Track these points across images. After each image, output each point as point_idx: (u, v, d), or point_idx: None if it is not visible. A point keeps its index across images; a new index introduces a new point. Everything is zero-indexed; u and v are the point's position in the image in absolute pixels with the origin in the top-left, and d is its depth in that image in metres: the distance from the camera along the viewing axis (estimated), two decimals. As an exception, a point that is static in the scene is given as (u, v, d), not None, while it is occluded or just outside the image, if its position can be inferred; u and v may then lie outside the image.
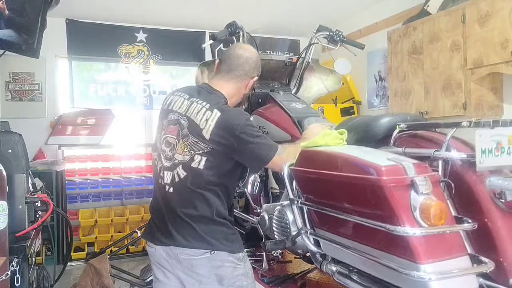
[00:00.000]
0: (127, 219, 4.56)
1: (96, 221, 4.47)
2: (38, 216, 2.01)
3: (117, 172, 4.74)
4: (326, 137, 1.59)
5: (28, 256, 1.90)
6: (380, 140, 1.64)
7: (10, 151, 1.92)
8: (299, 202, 1.61)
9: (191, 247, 1.60)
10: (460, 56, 3.03)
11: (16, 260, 1.76)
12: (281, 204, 1.85)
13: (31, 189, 2.22)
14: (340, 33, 2.48)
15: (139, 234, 3.26)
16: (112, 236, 4.43)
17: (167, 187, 1.66)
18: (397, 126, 1.59)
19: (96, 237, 4.43)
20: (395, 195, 1.18)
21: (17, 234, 1.84)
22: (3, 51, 2.75)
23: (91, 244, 4.47)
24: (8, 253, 1.62)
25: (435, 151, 1.39)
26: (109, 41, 4.91)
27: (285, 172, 1.63)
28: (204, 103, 1.64)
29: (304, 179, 1.58)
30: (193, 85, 1.95)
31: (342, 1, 4.35)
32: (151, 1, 4.25)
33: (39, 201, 1.99)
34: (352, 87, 4.72)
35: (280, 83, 2.61)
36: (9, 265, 1.66)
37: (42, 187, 3.22)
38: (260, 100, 2.45)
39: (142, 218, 4.53)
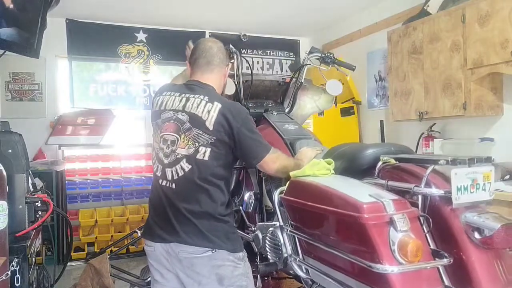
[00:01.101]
0: (127, 219, 4.57)
1: (96, 221, 4.47)
2: (38, 216, 2.01)
3: (117, 172, 4.74)
4: (314, 167, 1.69)
5: (28, 256, 1.90)
6: (365, 170, 1.73)
7: (10, 151, 1.92)
8: (288, 230, 1.68)
9: (193, 245, 1.61)
10: (460, 56, 3.03)
11: (16, 260, 1.76)
12: (274, 225, 1.90)
13: (31, 189, 2.22)
14: (331, 55, 2.58)
15: (139, 234, 3.26)
16: (112, 236, 4.43)
17: (169, 184, 1.67)
18: (381, 158, 1.67)
19: (96, 237, 4.43)
20: (374, 232, 1.27)
21: (17, 234, 1.84)
22: (3, 51, 2.75)
23: (91, 244, 4.47)
24: (8, 253, 1.62)
25: (415, 186, 1.47)
26: (109, 41, 4.91)
27: (276, 199, 1.73)
28: (202, 96, 1.69)
29: (293, 208, 1.66)
30: (174, 84, 1.99)
31: (342, 1, 4.34)
32: (151, 1, 4.25)
33: (39, 201, 1.99)
34: (352, 87, 4.72)
35: (274, 101, 2.69)
36: (9, 265, 1.66)
37: (42, 187, 3.22)
38: (254, 119, 2.52)
39: (142, 218, 4.53)
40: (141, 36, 5.07)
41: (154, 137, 1.78)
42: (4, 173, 1.66)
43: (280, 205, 1.73)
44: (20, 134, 2.10)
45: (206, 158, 1.63)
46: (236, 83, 2.43)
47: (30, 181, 2.20)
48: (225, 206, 1.69)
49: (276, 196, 1.73)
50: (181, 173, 1.64)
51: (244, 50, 5.56)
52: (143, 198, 4.82)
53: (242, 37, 5.48)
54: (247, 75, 2.50)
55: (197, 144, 1.63)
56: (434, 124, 3.56)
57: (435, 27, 3.24)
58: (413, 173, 1.56)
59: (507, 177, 2.73)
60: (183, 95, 1.73)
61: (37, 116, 4.57)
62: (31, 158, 3.97)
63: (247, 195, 2.41)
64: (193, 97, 1.71)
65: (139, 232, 3.32)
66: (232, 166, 1.76)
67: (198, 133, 1.64)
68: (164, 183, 1.69)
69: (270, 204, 2.33)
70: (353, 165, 1.75)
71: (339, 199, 1.38)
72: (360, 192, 1.38)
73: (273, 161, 1.73)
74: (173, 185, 1.66)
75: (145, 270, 3.03)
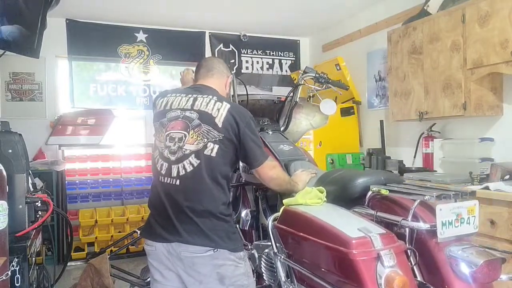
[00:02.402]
0: (127, 219, 4.57)
1: (96, 221, 4.47)
2: (38, 216, 2.01)
3: (117, 172, 4.74)
4: (307, 196, 1.76)
5: (28, 256, 1.90)
6: (356, 198, 1.78)
7: (10, 151, 1.92)
8: (282, 258, 1.72)
9: (195, 244, 1.63)
10: (460, 56, 3.03)
11: (16, 260, 1.76)
12: (269, 246, 1.93)
13: (31, 189, 2.22)
14: (325, 75, 2.66)
15: (139, 234, 3.26)
16: (112, 236, 4.43)
17: (173, 181, 1.69)
18: (370, 188, 1.73)
19: (96, 237, 4.43)
20: (362, 267, 1.31)
21: (17, 234, 1.84)
22: (3, 51, 2.75)
23: (91, 244, 4.47)
24: (8, 253, 1.62)
25: (403, 219, 1.52)
26: (109, 41, 4.91)
27: (269, 226, 1.78)
28: (211, 96, 1.78)
29: (286, 237, 1.71)
30: (177, 88, 2.14)
31: (342, 1, 4.34)
32: (151, 1, 4.25)
33: (39, 201, 1.99)
34: (352, 87, 4.72)
35: (270, 119, 2.75)
36: (9, 265, 1.66)
37: (42, 187, 3.22)
38: None
39: (142, 218, 4.53)
40: (141, 36, 5.07)
41: (158, 136, 1.80)
42: (4, 173, 1.66)
43: (274, 232, 1.79)
44: (20, 134, 2.10)
45: (214, 154, 1.68)
46: None
47: (30, 181, 2.21)
48: (226, 206, 1.72)
49: (270, 222, 1.80)
50: (189, 169, 1.67)
51: (244, 50, 5.56)
52: (143, 198, 4.82)
53: (242, 37, 5.48)
54: (243, 95, 2.57)
55: (205, 140, 1.69)
56: (434, 124, 3.56)
57: (435, 27, 3.24)
58: (401, 205, 1.62)
59: (507, 177, 2.73)
60: (190, 95, 1.81)
61: (37, 116, 4.58)
62: (31, 158, 3.97)
63: (244, 213, 2.49)
64: (201, 96, 1.78)
65: (139, 232, 3.32)
66: (234, 167, 1.82)
67: (208, 129, 1.70)
68: (167, 180, 1.70)
69: (266, 222, 2.38)
70: (344, 194, 1.81)
71: (329, 232, 1.44)
72: (349, 225, 1.44)
73: (270, 168, 1.83)
74: (177, 182, 1.68)
75: (145, 270, 3.03)
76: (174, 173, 1.69)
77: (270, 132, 2.53)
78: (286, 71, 5.78)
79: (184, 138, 1.70)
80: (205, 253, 1.62)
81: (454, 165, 3.43)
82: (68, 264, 3.22)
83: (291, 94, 2.69)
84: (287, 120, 2.70)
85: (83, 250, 4.41)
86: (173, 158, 1.70)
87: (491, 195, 2.55)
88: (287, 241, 1.72)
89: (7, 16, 2.47)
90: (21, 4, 2.61)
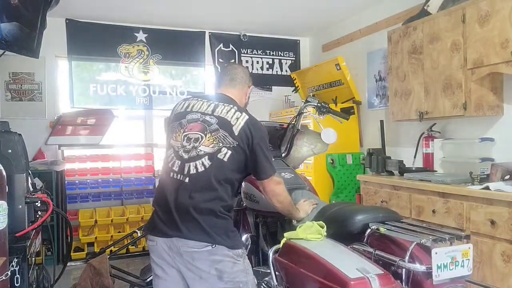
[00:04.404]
0: (127, 219, 4.56)
1: (96, 221, 4.47)
2: (38, 216, 2.01)
3: (117, 172, 4.73)
4: (307, 230, 1.81)
5: (28, 256, 1.90)
6: (355, 235, 1.85)
7: (10, 151, 1.92)
8: None
9: (194, 239, 1.67)
10: (460, 56, 3.03)
11: (16, 260, 1.76)
12: (269, 274, 1.96)
13: (31, 189, 2.22)
14: (326, 105, 2.74)
15: (139, 234, 3.26)
16: (112, 236, 4.43)
17: (182, 178, 1.74)
18: (369, 226, 1.81)
19: (96, 237, 4.43)
20: None
21: (17, 234, 1.83)
22: (3, 51, 2.75)
23: (91, 244, 4.47)
24: (8, 253, 1.62)
25: (400, 260, 1.58)
26: (109, 41, 4.91)
27: (270, 258, 1.84)
28: (231, 106, 1.87)
29: (286, 271, 1.75)
30: (201, 93, 2.16)
31: (342, 1, 4.34)
32: (151, 1, 4.25)
33: (39, 201, 1.99)
34: (352, 87, 4.72)
35: (272, 145, 2.79)
36: (9, 265, 1.65)
37: (42, 187, 3.21)
38: None
39: (142, 218, 4.53)
40: (141, 36, 5.06)
41: (174, 136, 1.86)
42: (4, 173, 1.66)
43: (274, 264, 1.84)
44: (20, 134, 2.09)
45: (226, 159, 1.75)
46: None
47: (30, 181, 2.20)
48: (227, 207, 1.77)
49: (271, 254, 1.85)
50: (200, 169, 1.74)
51: (244, 50, 5.56)
52: (143, 198, 4.82)
53: (242, 37, 5.48)
54: None
55: (221, 144, 1.76)
56: (434, 124, 3.56)
57: (435, 27, 3.24)
58: (399, 245, 1.69)
59: (507, 177, 2.73)
60: (212, 102, 1.90)
61: (37, 116, 4.57)
62: (31, 158, 3.97)
63: (244, 237, 2.53)
64: (222, 104, 1.88)
65: (139, 232, 3.32)
66: (240, 175, 1.87)
67: (225, 135, 1.78)
68: (179, 177, 1.76)
69: (266, 247, 2.43)
70: (343, 230, 1.87)
71: (328, 271, 1.50)
72: (348, 264, 1.50)
73: (277, 183, 1.92)
74: (187, 179, 1.74)
75: (145, 270, 3.03)
76: (186, 171, 1.75)
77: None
78: (286, 71, 5.78)
79: (200, 139, 1.78)
80: (203, 248, 1.66)
81: (454, 165, 3.43)
82: (68, 264, 3.21)
83: (293, 121, 2.77)
84: (288, 146, 2.77)
85: (83, 250, 4.41)
86: (186, 156, 1.77)
87: (491, 195, 2.55)
88: (287, 275, 1.76)
89: (6, 14, 2.46)
90: (21, 3, 2.60)
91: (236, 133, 1.78)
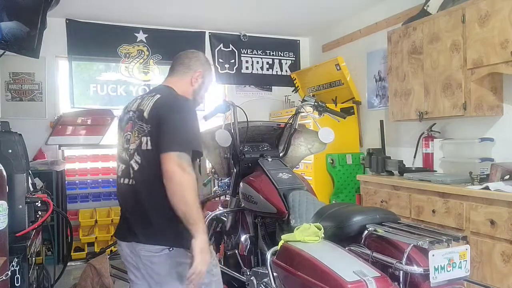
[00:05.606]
0: (127, 219, 4.55)
1: (96, 221, 4.47)
2: (38, 216, 2.02)
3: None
4: (304, 232, 1.79)
5: (28, 256, 1.90)
6: (352, 236, 1.84)
7: (10, 151, 1.93)
8: None
9: (150, 243, 1.62)
10: (460, 56, 3.03)
11: (16, 260, 1.76)
12: (267, 275, 1.96)
13: (31, 189, 2.22)
14: (323, 104, 2.74)
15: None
16: (112, 236, 4.42)
17: (130, 181, 1.70)
18: (367, 227, 1.79)
19: (96, 237, 4.43)
20: None
21: (17, 234, 1.84)
22: (3, 51, 2.75)
23: (91, 244, 4.47)
24: (8, 253, 1.62)
25: (397, 262, 1.57)
26: (109, 41, 4.91)
27: (268, 260, 1.83)
28: (153, 94, 1.76)
29: (284, 274, 1.75)
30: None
31: (342, 1, 4.34)
32: (151, 1, 4.25)
33: (39, 201, 1.99)
34: (352, 87, 4.72)
35: (270, 144, 2.83)
36: (9, 265, 1.65)
37: (42, 187, 3.21)
38: (250, 164, 2.63)
39: (142, 218, 4.52)
40: (141, 36, 5.07)
41: (118, 139, 1.85)
42: (4, 173, 1.66)
43: (272, 266, 1.83)
44: (20, 134, 2.10)
45: (149, 147, 1.64)
46: (232, 131, 2.55)
47: (30, 181, 2.21)
48: None
49: (268, 257, 1.84)
50: (136, 167, 1.68)
51: (244, 50, 5.56)
52: (143, 198, 4.81)
53: (242, 37, 5.48)
54: (243, 122, 2.62)
55: (140, 135, 1.68)
56: (434, 124, 3.56)
57: (435, 27, 3.24)
58: (396, 246, 1.67)
59: (507, 177, 2.73)
60: (140, 96, 1.83)
61: (37, 116, 4.57)
62: (31, 158, 3.96)
63: (243, 238, 2.54)
64: (147, 95, 1.77)
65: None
66: None
67: (140, 124, 1.69)
68: (126, 181, 1.73)
69: (264, 248, 2.43)
70: (341, 232, 1.86)
71: (325, 274, 1.49)
72: (345, 267, 1.50)
73: (178, 164, 1.52)
74: (133, 182, 1.69)
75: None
76: (126, 173, 1.71)
77: (270, 159, 2.59)
78: (286, 71, 5.78)
79: (130, 138, 1.73)
80: (161, 252, 1.61)
81: (454, 165, 3.43)
82: (68, 264, 3.21)
83: (291, 120, 2.77)
84: (286, 146, 2.77)
85: (83, 250, 4.40)
86: (126, 158, 1.73)
87: (491, 195, 2.55)
88: (284, 278, 1.76)
89: (6, 12, 2.46)
90: (21, 2, 2.61)
91: (147, 117, 1.66)
